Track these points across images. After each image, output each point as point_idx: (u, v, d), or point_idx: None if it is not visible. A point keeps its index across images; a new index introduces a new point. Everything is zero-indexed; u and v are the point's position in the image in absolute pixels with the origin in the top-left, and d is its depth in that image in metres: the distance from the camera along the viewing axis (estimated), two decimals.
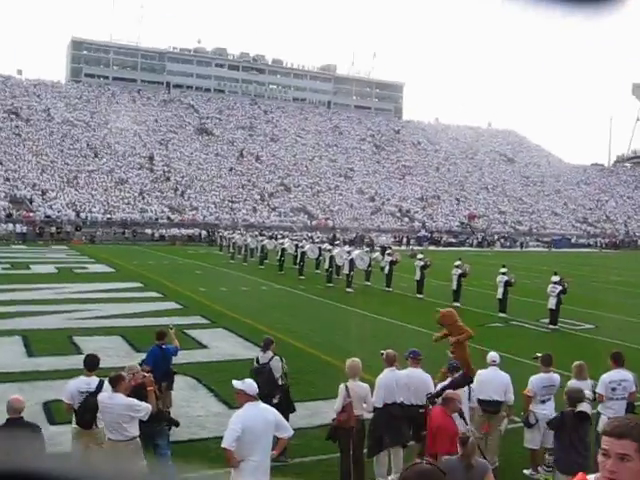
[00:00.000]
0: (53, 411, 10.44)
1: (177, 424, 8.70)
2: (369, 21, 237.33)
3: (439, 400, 7.90)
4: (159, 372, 9.19)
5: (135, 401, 7.73)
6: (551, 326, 20.64)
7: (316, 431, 10.28)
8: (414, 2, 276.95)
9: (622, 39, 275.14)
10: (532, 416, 8.96)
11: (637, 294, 29.54)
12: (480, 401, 9.23)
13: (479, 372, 9.57)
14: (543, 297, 21.72)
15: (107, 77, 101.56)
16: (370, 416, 8.84)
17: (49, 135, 78.26)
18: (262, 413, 6.82)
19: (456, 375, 8.94)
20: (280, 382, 9.59)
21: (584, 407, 8.13)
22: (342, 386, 8.49)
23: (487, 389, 9.29)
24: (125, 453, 7.44)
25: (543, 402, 9.12)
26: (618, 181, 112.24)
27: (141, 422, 7.95)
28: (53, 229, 58.94)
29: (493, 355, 9.76)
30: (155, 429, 8.36)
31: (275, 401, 8.92)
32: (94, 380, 8.18)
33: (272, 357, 9.80)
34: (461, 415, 7.84)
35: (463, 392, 8.75)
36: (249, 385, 6.96)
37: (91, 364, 8.39)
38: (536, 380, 9.18)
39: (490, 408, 9.22)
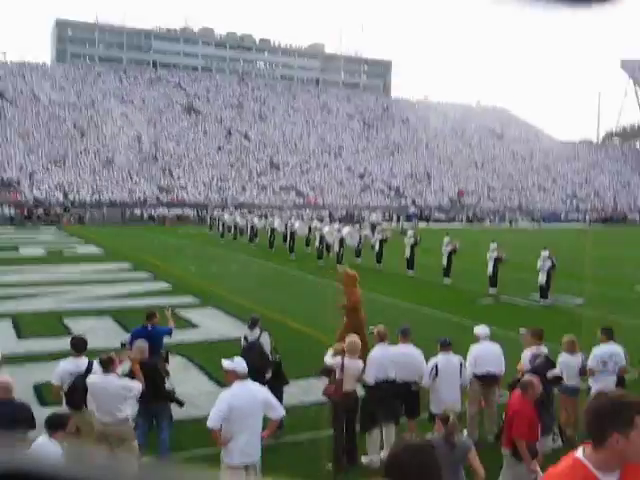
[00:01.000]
0: (44, 392, 10.39)
1: (182, 404, 8.65)
2: None
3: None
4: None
5: (128, 381, 7.71)
6: (542, 301, 20.72)
7: (308, 409, 10.29)
8: None
9: (611, 14, 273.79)
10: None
11: (626, 267, 29.65)
12: (477, 376, 9.21)
13: (473, 346, 9.53)
14: (534, 272, 21.76)
15: (93, 57, 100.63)
16: (363, 392, 8.86)
17: (35, 116, 77.56)
18: (250, 392, 6.78)
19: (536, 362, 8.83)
20: (271, 357, 9.58)
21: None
22: (339, 359, 8.48)
23: (484, 363, 9.27)
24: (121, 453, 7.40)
25: None
26: (607, 157, 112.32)
27: (142, 401, 7.99)
28: (41, 211, 58.62)
29: (484, 328, 9.74)
30: (156, 408, 8.35)
31: (268, 376, 8.93)
32: (83, 361, 8.14)
33: (261, 333, 9.78)
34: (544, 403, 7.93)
35: (455, 368, 8.73)
36: (239, 364, 6.94)
37: (78, 346, 8.33)
38: (527, 355, 9.16)
39: (487, 381, 9.21)
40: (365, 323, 11.95)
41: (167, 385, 8.61)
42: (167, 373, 8.76)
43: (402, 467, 2.28)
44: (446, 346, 8.85)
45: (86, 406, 7.91)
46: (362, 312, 12.52)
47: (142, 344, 8.56)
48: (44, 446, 5.78)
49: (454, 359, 8.83)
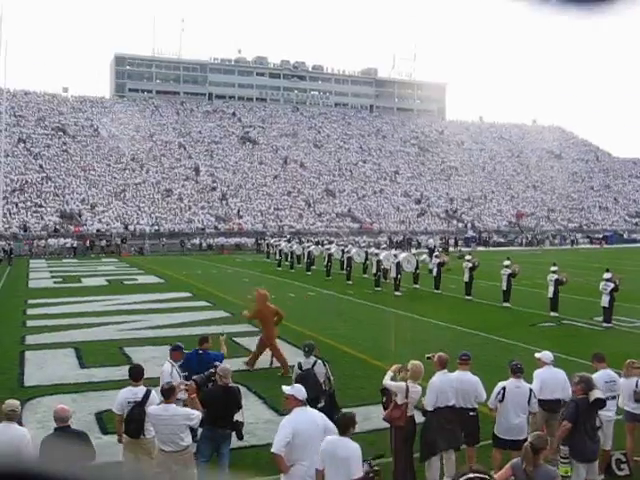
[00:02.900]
0: (105, 421, 10.54)
1: (242, 437, 8.66)
2: (408, 23, 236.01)
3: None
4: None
5: (189, 410, 7.79)
6: (605, 324, 20.18)
7: (367, 436, 10.19)
8: (452, 1, 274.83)
9: None
10: (597, 420, 8.40)
11: None
12: (541, 401, 8.97)
13: (538, 372, 9.30)
14: (596, 295, 21.25)
15: (150, 91, 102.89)
16: (422, 419, 8.74)
17: (96, 150, 79.63)
18: (311, 417, 6.86)
19: None
20: (324, 387, 9.55)
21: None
22: (403, 384, 8.39)
23: (550, 388, 9.05)
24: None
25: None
26: None
27: (207, 426, 8.16)
28: (103, 242, 59.92)
29: (548, 354, 9.51)
30: (222, 434, 8.39)
31: (320, 405, 8.88)
32: (141, 390, 8.25)
33: (315, 362, 9.77)
34: None
35: (524, 394, 8.56)
36: (298, 390, 7.03)
37: (136, 374, 8.47)
38: (597, 377, 8.89)
39: (552, 407, 8.95)
40: (274, 335, 14.38)
41: (238, 417, 8.62)
42: (240, 406, 8.73)
43: None
44: (517, 371, 8.71)
45: (144, 435, 8.00)
46: (272, 325, 14.43)
47: (227, 367, 8.81)
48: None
49: (524, 385, 8.67)
